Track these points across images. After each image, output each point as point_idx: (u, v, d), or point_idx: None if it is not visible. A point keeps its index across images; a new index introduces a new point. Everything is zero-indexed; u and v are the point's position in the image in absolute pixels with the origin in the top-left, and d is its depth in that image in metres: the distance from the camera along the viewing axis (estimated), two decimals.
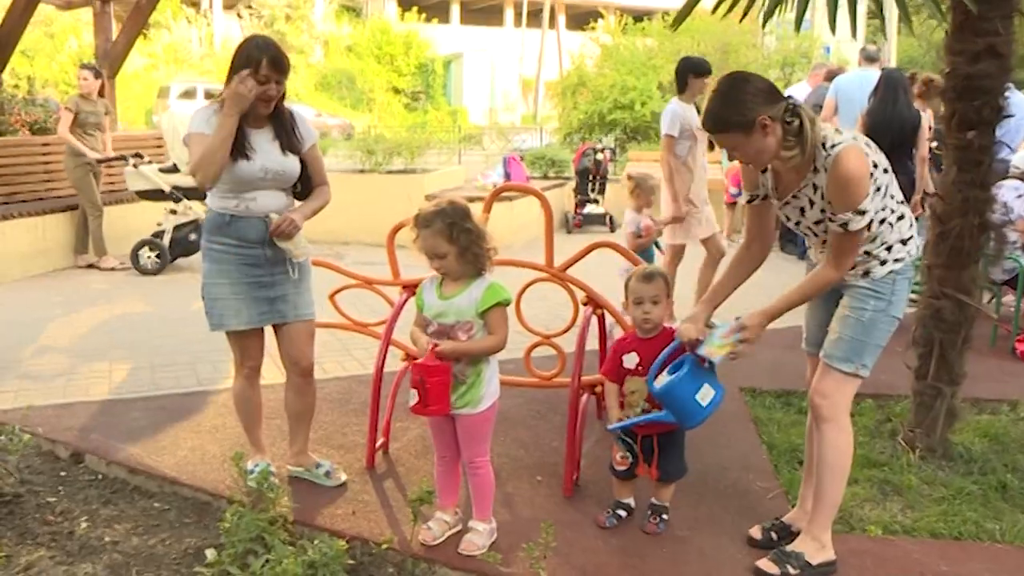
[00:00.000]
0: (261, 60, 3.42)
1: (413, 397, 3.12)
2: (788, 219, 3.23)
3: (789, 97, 2.97)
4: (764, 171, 3.16)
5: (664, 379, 3.14)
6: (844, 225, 2.96)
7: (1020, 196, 6.14)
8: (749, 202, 3.30)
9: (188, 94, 29.42)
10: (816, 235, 3.17)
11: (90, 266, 8.99)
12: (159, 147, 10.62)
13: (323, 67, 37.86)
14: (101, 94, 9.08)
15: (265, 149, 3.57)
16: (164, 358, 5.74)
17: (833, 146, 2.95)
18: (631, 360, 3.42)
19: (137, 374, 5.40)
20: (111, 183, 9.59)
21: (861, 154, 2.94)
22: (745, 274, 3.34)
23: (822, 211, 3.04)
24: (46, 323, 6.67)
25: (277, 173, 3.59)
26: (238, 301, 3.60)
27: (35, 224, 8.75)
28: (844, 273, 3.08)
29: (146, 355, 5.80)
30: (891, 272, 3.10)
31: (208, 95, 29.55)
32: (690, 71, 6.24)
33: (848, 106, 7.93)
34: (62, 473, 4.07)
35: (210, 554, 3.16)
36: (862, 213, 2.94)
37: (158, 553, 3.36)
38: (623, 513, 3.55)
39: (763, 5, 4.13)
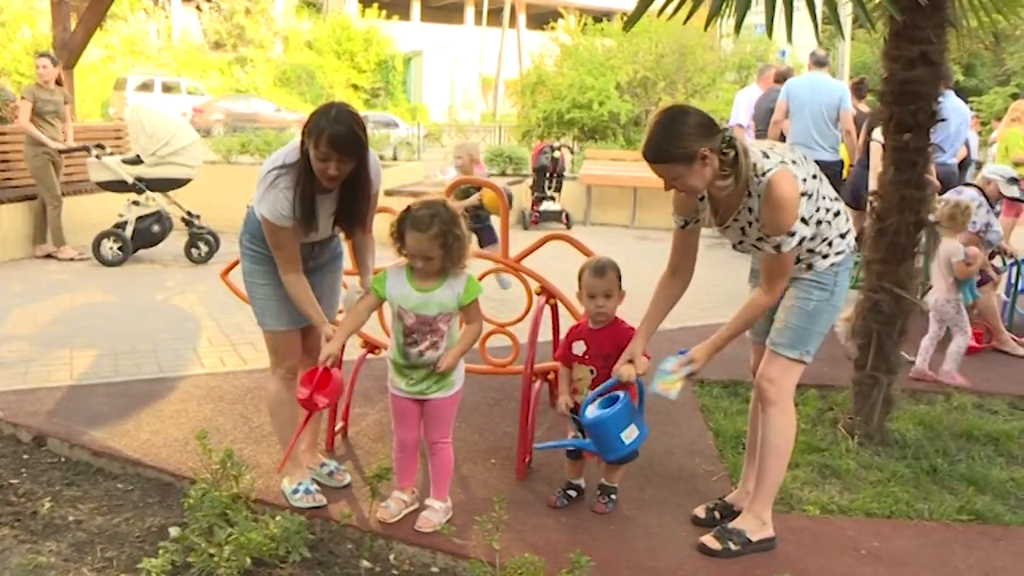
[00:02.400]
0: (322, 135, 3.13)
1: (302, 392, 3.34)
2: (731, 241, 3.34)
3: (725, 129, 3.07)
4: (702, 198, 3.28)
5: (595, 411, 3.26)
6: (777, 247, 3.11)
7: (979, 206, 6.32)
8: (682, 227, 3.39)
9: (145, 86, 29.22)
10: (761, 250, 3.27)
11: (48, 256, 8.95)
12: (118, 138, 10.60)
13: (283, 62, 37.68)
14: (59, 83, 9.03)
15: (326, 219, 3.45)
16: (125, 346, 5.79)
17: (764, 172, 3.06)
18: (578, 348, 3.56)
19: (98, 361, 5.44)
20: (70, 174, 9.54)
21: (790, 177, 3.06)
22: (673, 301, 3.46)
23: (759, 230, 3.17)
24: (5, 312, 6.67)
25: (332, 235, 3.63)
26: (278, 303, 3.52)
27: None
28: (777, 297, 3.24)
29: (107, 343, 5.84)
30: (833, 265, 3.27)
31: (166, 88, 29.40)
32: None
33: (799, 109, 8.17)
34: (24, 456, 4.12)
35: (174, 531, 3.26)
36: (792, 235, 3.08)
37: (122, 532, 3.44)
38: (573, 493, 3.69)
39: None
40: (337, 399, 3.68)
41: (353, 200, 3.41)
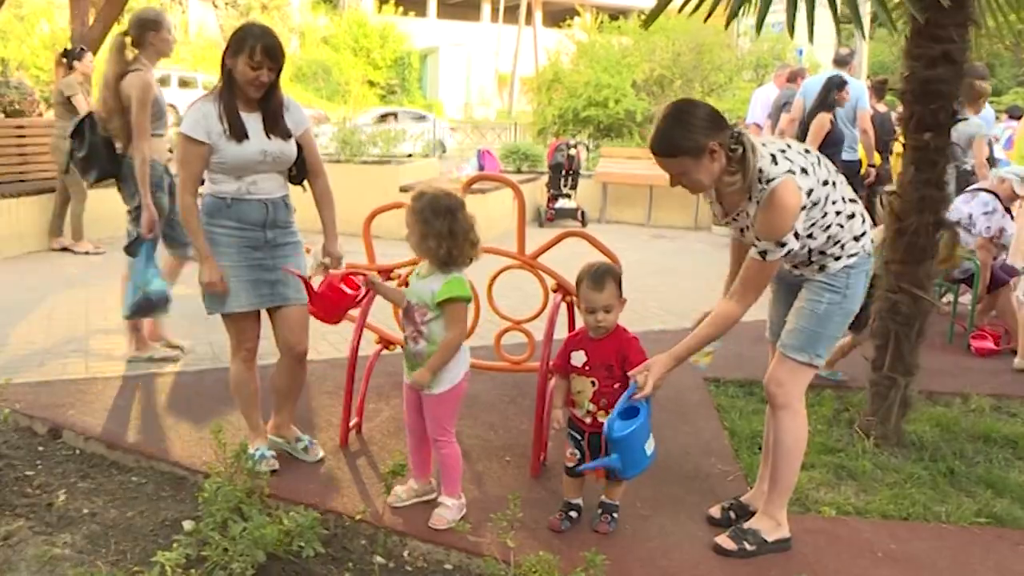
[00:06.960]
0: (256, 46, 3.46)
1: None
2: (734, 237, 3.36)
3: (734, 125, 3.03)
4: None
5: (617, 423, 3.09)
6: (763, 253, 3.05)
7: (987, 213, 6.30)
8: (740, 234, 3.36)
9: (162, 81, 29.14)
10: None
11: (64, 249, 8.97)
12: None
13: (299, 58, 37.73)
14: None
15: (257, 133, 3.60)
16: None
17: (769, 180, 2.98)
18: (578, 358, 3.37)
19: (114, 354, 5.45)
20: None
21: (794, 189, 2.98)
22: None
23: (754, 233, 3.12)
24: (21, 304, 6.69)
25: (276, 156, 3.63)
26: (238, 283, 3.62)
27: (9, 207, 8.73)
28: (747, 308, 3.13)
29: (122, 336, 5.83)
30: (846, 267, 3.20)
31: (183, 82, 29.46)
32: None
33: None
34: (40, 448, 4.13)
35: (188, 525, 3.27)
36: (782, 245, 3.02)
37: (136, 524, 3.44)
38: (575, 515, 3.50)
39: (727, 6, 4.24)
40: (332, 313, 3.74)
41: (273, 108, 3.66)
